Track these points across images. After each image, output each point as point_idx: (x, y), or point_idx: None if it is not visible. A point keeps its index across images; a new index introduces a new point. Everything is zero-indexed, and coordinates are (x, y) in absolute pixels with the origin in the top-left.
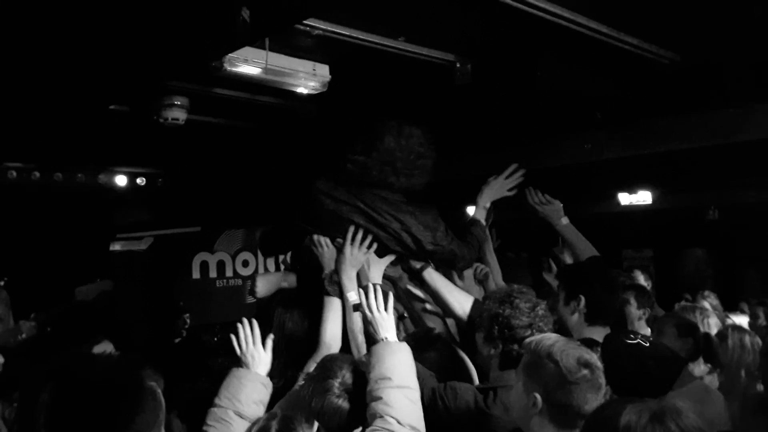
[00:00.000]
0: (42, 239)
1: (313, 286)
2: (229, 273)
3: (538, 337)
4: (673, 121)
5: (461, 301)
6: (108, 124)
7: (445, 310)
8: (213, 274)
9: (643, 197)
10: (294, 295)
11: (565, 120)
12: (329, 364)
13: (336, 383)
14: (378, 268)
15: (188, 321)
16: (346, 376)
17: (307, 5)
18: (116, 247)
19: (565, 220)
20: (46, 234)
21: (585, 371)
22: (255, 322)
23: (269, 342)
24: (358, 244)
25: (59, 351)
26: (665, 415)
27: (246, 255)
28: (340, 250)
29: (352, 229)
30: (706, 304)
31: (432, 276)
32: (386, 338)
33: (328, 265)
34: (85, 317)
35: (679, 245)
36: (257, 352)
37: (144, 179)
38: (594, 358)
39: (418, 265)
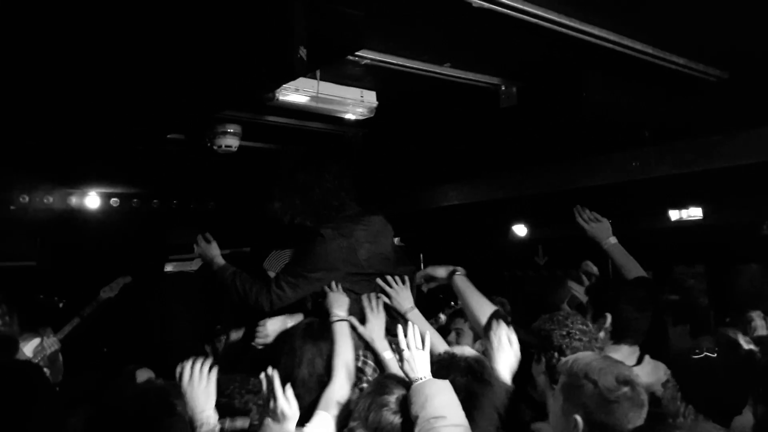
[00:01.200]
0: (99, 261)
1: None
2: None
3: (573, 356)
4: (722, 139)
5: (476, 309)
6: (162, 151)
7: (469, 316)
8: None
9: (694, 213)
10: (317, 331)
11: (613, 139)
12: (385, 381)
13: (392, 399)
14: (406, 295)
15: None
16: (401, 394)
17: (359, 39)
18: (169, 268)
19: (613, 240)
20: (103, 256)
21: (625, 389)
22: (276, 373)
23: (289, 391)
24: (375, 309)
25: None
26: None
27: None
28: (365, 318)
29: (365, 299)
30: (755, 316)
31: (457, 283)
32: (424, 377)
33: (339, 306)
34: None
35: (733, 261)
36: (286, 406)
37: (196, 203)
38: (634, 374)
39: (444, 273)
